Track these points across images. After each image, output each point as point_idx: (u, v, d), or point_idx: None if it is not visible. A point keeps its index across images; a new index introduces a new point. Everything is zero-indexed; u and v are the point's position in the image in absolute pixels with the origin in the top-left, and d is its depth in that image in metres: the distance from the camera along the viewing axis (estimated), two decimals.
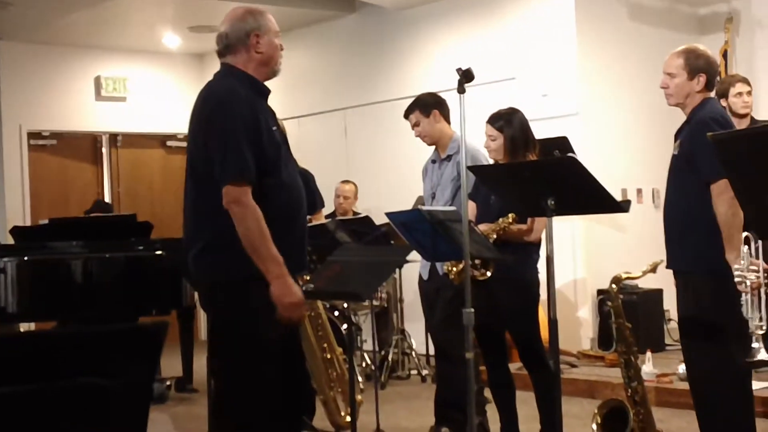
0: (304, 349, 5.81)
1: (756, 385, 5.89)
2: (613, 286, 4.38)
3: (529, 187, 4.25)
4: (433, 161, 6.04)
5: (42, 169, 11.17)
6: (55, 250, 7.07)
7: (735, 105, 6.65)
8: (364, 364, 8.25)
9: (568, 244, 8.32)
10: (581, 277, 8.50)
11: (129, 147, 11.79)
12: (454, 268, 5.30)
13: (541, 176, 4.21)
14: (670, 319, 8.28)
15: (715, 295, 4.42)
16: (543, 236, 5.25)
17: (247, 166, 3.80)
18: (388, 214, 5.05)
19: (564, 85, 8.60)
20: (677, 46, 4.68)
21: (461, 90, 4.12)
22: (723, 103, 6.63)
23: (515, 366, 5.83)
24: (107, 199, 11.46)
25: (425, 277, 6.00)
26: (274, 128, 4.01)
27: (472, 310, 4.12)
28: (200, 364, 6.67)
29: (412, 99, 6.10)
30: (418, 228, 4.85)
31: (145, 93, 11.75)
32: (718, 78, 4.86)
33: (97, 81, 11.43)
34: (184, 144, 12.75)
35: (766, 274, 4.09)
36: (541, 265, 4.96)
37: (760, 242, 4.18)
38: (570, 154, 5.49)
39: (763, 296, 4.18)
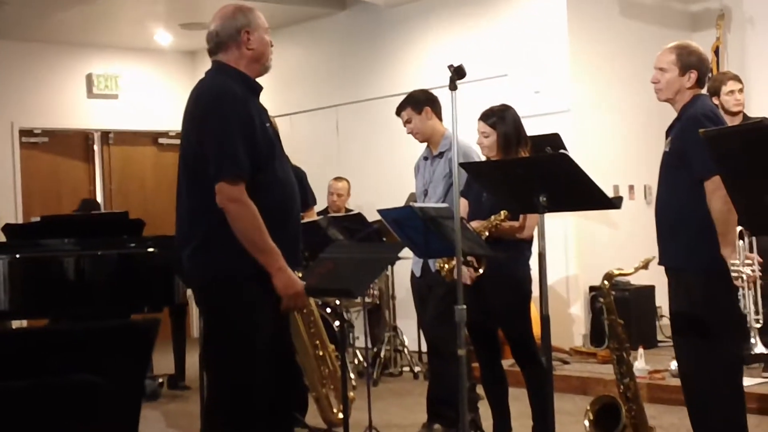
0: (296, 346, 5.83)
1: (747, 381, 5.91)
2: (605, 282, 4.39)
3: (521, 184, 4.25)
4: (425, 158, 6.05)
5: (34, 167, 11.15)
6: (47, 247, 7.06)
7: (727, 103, 6.65)
8: (356, 361, 8.25)
9: (561, 240, 8.33)
10: (573, 273, 8.51)
11: (121, 144, 11.77)
12: (446, 266, 5.30)
13: (533, 173, 4.21)
14: (662, 316, 8.30)
15: (707, 291, 4.42)
16: (535, 233, 5.25)
17: (241, 163, 3.81)
18: (380, 211, 5.05)
19: (556, 82, 8.61)
20: (669, 43, 4.69)
21: (453, 87, 4.12)
22: (715, 101, 6.63)
23: (508, 363, 5.83)
24: (99, 196, 11.45)
25: (417, 274, 6.00)
26: (267, 125, 4.02)
27: (465, 306, 4.13)
28: (192, 361, 6.68)
29: (404, 96, 6.10)
30: (411, 225, 4.85)
31: (136, 90, 11.73)
32: (709, 75, 4.87)
33: (89, 78, 11.41)
34: (176, 141, 12.80)
35: (760, 268, 4.10)
36: (533, 262, 4.96)
37: (753, 237, 4.19)
38: (562, 151, 5.50)
39: (759, 290, 4.19)
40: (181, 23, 10.58)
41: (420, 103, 5.94)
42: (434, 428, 5.95)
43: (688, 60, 4.54)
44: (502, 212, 5.17)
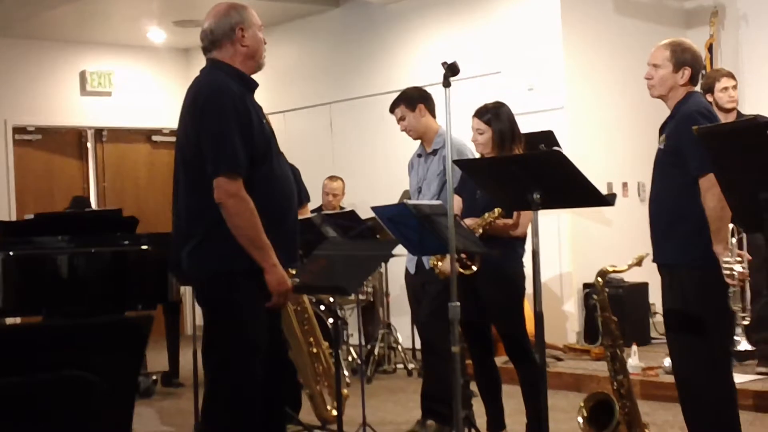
0: (290, 343, 5.84)
1: (741, 377, 5.93)
2: (599, 279, 4.39)
3: (515, 181, 4.25)
4: (419, 155, 6.05)
5: (27, 164, 11.13)
6: (40, 245, 7.05)
7: (721, 100, 6.65)
8: (350, 358, 8.25)
9: (554, 238, 8.34)
10: (567, 270, 8.52)
11: (114, 142, 11.76)
12: (440, 263, 5.30)
13: (526, 170, 4.21)
14: (655, 313, 8.31)
15: (701, 288, 4.43)
16: (529, 230, 5.25)
17: (238, 159, 3.84)
18: (374, 209, 5.05)
19: (550, 79, 8.61)
20: (662, 40, 4.69)
21: (447, 84, 4.11)
22: (709, 98, 6.64)
23: (501, 360, 5.83)
24: (92, 193, 11.44)
25: (412, 271, 6.00)
26: (264, 121, 4.03)
27: (458, 304, 4.13)
28: (186, 358, 6.66)
29: (398, 93, 6.10)
30: (405, 222, 4.85)
31: (130, 88, 11.72)
32: (702, 72, 4.87)
33: (83, 75, 11.40)
34: (170, 139, 12.72)
35: (748, 266, 4.12)
36: (527, 259, 4.97)
37: (744, 234, 4.20)
38: (555, 148, 5.50)
39: (748, 287, 4.20)
40: (174, 20, 10.57)
41: (413, 100, 5.94)
42: (428, 425, 5.95)
43: (683, 57, 4.55)
44: (496, 209, 5.17)
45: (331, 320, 7.31)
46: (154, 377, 7.94)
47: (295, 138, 10.03)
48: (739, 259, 4.18)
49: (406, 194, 7.38)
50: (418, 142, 6.06)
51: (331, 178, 9.30)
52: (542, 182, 4.14)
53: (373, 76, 10.08)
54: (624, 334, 4.70)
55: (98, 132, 11.63)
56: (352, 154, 10.25)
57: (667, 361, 6.65)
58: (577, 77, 8.65)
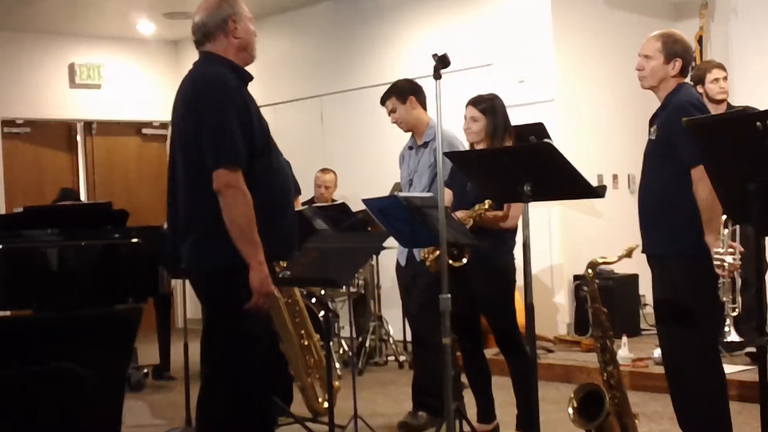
0: (281, 336, 5.84)
1: (730, 368, 5.95)
2: (589, 271, 4.39)
3: (506, 173, 4.25)
4: (410, 148, 6.05)
5: (16, 157, 11.11)
6: (30, 238, 7.02)
7: (711, 91, 6.66)
8: (341, 351, 8.26)
9: (545, 229, 8.35)
10: (557, 262, 8.53)
11: (104, 135, 11.73)
12: (431, 255, 5.31)
13: (517, 162, 4.21)
14: (645, 304, 8.34)
15: (691, 279, 4.45)
16: (519, 222, 5.26)
17: (239, 150, 3.84)
18: (365, 201, 5.05)
19: (540, 72, 8.61)
20: (653, 32, 4.70)
21: (437, 76, 4.12)
22: (699, 89, 6.65)
23: (492, 351, 5.85)
24: (82, 187, 11.42)
25: (402, 263, 6.01)
26: (260, 114, 4.04)
27: (449, 296, 4.13)
28: (177, 351, 6.66)
29: (389, 85, 6.10)
30: (396, 215, 4.85)
31: (119, 80, 11.70)
32: (692, 64, 4.88)
33: (72, 68, 11.37)
34: (160, 132, 12.65)
35: (740, 257, 4.13)
36: (518, 251, 4.97)
37: (737, 226, 4.22)
38: (546, 140, 5.52)
39: (738, 279, 4.22)
40: (164, 13, 10.55)
41: (404, 92, 5.94)
42: (419, 417, 5.96)
43: (674, 48, 4.56)
44: (486, 201, 5.17)
45: (322, 313, 7.32)
46: (145, 370, 7.93)
47: (286, 131, 10.00)
48: (730, 250, 4.19)
49: (397, 186, 7.38)
50: (409, 134, 6.06)
51: (324, 170, 9.30)
52: (533, 174, 4.14)
53: (364, 68, 10.07)
54: (614, 325, 4.70)
55: (88, 125, 11.61)
56: (343, 146, 10.25)
57: (657, 352, 6.68)
58: (567, 70, 8.65)
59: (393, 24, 9.86)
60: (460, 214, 5.24)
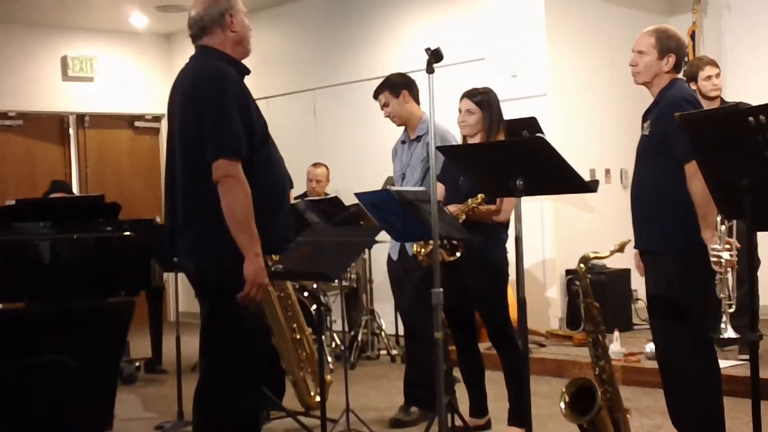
0: (273, 330, 5.84)
1: (722, 363, 5.96)
2: (581, 265, 4.39)
3: (498, 168, 4.25)
4: (403, 142, 6.05)
5: (8, 150, 11.08)
6: (22, 231, 7.01)
7: (704, 88, 6.66)
8: (333, 345, 8.26)
9: (537, 224, 8.35)
10: (550, 257, 8.54)
11: (96, 127, 11.71)
12: (423, 250, 5.31)
13: (509, 157, 4.21)
14: (637, 299, 8.35)
15: (686, 274, 4.45)
16: (511, 217, 5.27)
17: (240, 141, 3.85)
18: (357, 195, 5.05)
19: (533, 66, 8.61)
20: (646, 27, 4.70)
21: (430, 70, 4.11)
22: (693, 86, 6.66)
23: (484, 346, 5.85)
24: (74, 179, 11.40)
25: (395, 257, 6.01)
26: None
27: (441, 290, 4.13)
28: (169, 345, 6.66)
29: (382, 79, 6.09)
30: (388, 209, 4.85)
31: (112, 73, 11.67)
32: (685, 60, 4.88)
33: (64, 61, 11.34)
34: (153, 125, 12.64)
35: (737, 253, 4.14)
36: (510, 246, 4.98)
37: (734, 221, 4.22)
38: (539, 135, 5.51)
39: (734, 275, 4.22)
40: (156, 5, 10.52)
41: (397, 86, 5.94)
42: (411, 411, 5.96)
43: (667, 44, 4.56)
44: (479, 195, 5.18)
45: (314, 306, 7.31)
46: (137, 364, 7.93)
47: (279, 124, 9.97)
48: (727, 246, 4.20)
49: (389, 181, 7.38)
50: (402, 128, 6.06)
51: (315, 164, 9.30)
52: (525, 168, 4.14)
53: (357, 62, 10.06)
54: (606, 320, 4.71)
55: (80, 117, 11.59)
56: (335, 140, 10.24)
57: (649, 347, 6.69)
58: (560, 64, 8.65)
59: (386, 18, 9.85)
60: (452, 208, 5.24)
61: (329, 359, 7.66)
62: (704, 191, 4.16)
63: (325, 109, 10.43)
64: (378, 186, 7.26)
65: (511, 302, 5.32)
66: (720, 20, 9.04)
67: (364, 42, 10.05)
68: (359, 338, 8.38)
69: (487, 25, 8.92)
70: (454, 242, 5.23)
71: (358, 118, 9.77)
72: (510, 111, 6.32)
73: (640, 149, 4.65)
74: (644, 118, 4.64)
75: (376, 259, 8.42)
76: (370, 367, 8.10)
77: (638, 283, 7.21)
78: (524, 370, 4.28)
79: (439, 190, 5.34)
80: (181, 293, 6.78)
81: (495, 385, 5.75)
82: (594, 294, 4.42)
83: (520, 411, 5.16)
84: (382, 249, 6.27)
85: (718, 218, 4.46)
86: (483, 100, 5.43)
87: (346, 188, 8.48)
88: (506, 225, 5.43)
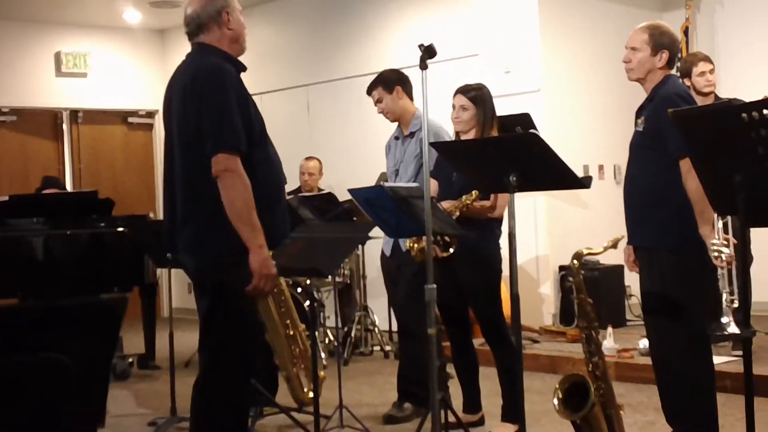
0: (267, 326, 5.83)
1: (716, 359, 5.96)
2: (575, 261, 4.39)
3: (492, 164, 4.25)
4: (396, 138, 6.05)
5: (2, 146, 11.07)
6: (15, 227, 7.00)
7: (698, 84, 6.66)
8: (327, 341, 8.26)
9: (531, 220, 8.36)
10: (543, 253, 8.54)
11: (90, 123, 11.69)
12: (416, 246, 5.31)
13: (503, 152, 4.21)
14: (631, 295, 8.35)
15: (680, 270, 4.46)
16: (505, 213, 5.27)
17: (239, 136, 3.87)
18: (351, 191, 5.05)
19: (526, 62, 8.61)
20: (639, 23, 4.70)
21: (423, 66, 4.11)
22: (687, 82, 6.66)
23: (477, 342, 5.85)
24: (68, 175, 11.38)
25: (388, 253, 6.01)
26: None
27: (435, 286, 4.13)
28: (162, 341, 6.66)
29: (375, 75, 6.09)
30: (382, 204, 4.84)
31: (106, 69, 11.66)
32: (678, 56, 4.89)
33: (58, 56, 11.32)
34: (146, 120, 12.60)
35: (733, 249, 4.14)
36: (503, 242, 4.98)
37: (729, 217, 4.22)
38: (532, 131, 5.52)
39: (735, 271, 4.22)
40: (150, 1, 10.50)
41: (391, 82, 5.93)
42: (404, 407, 5.96)
43: (661, 40, 4.56)
44: (473, 192, 5.18)
45: (307, 302, 7.31)
46: (131, 360, 7.92)
47: (273, 120, 9.89)
48: (725, 242, 4.21)
49: (383, 176, 7.38)
50: (396, 124, 6.06)
51: (308, 158, 9.30)
52: (518, 164, 4.14)
53: (351, 58, 10.05)
54: (599, 316, 4.71)
55: (74, 113, 11.57)
56: (329, 136, 10.24)
57: (642, 343, 6.70)
58: (553, 60, 8.65)
59: (379, 14, 9.84)
60: (446, 204, 5.24)
61: (322, 355, 7.66)
62: (700, 187, 4.16)
63: (319, 104, 10.42)
64: (371, 182, 7.26)
65: (504, 298, 5.32)
66: (713, 16, 9.05)
67: (357, 38, 10.05)
68: (353, 334, 8.38)
69: (481, 21, 8.91)
70: (447, 238, 5.22)
71: (352, 114, 9.76)
72: (503, 107, 6.32)
73: (634, 145, 4.65)
74: (638, 114, 4.64)
75: (370, 255, 8.41)
76: (363, 363, 8.11)
77: (631, 280, 7.21)
78: (518, 366, 4.28)
79: (433, 186, 5.34)
80: (174, 289, 6.77)
81: (488, 381, 5.76)
82: (587, 290, 4.42)
83: (513, 407, 5.16)
84: (376, 245, 6.27)
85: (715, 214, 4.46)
86: (477, 96, 5.44)
87: (339, 184, 8.47)
88: (500, 221, 5.43)
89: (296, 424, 5.68)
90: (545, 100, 8.54)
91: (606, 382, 4.41)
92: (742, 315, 3.58)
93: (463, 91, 5.47)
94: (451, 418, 5.23)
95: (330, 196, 7.32)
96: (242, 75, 4.12)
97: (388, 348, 8.31)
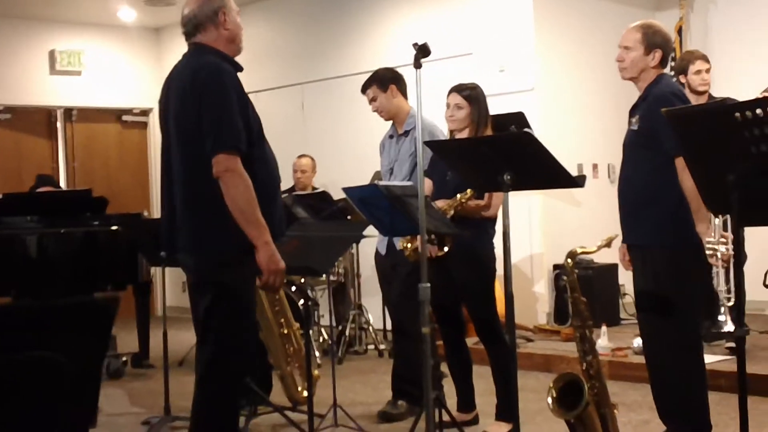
0: (261, 324, 5.83)
1: (710, 358, 5.98)
2: (569, 260, 4.40)
3: (486, 163, 4.25)
4: (391, 136, 6.05)
5: None
6: (9, 225, 6.99)
7: (693, 82, 6.67)
8: (321, 340, 8.26)
9: (525, 219, 8.36)
10: (538, 252, 8.55)
11: (84, 121, 11.68)
12: (409, 245, 5.31)
13: (497, 151, 4.21)
14: (625, 294, 8.37)
15: (674, 269, 4.46)
16: (499, 211, 5.27)
17: (239, 136, 3.89)
18: (345, 189, 5.05)
19: (521, 61, 8.62)
20: (633, 22, 4.71)
21: (417, 65, 4.11)
22: (682, 79, 6.67)
23: (472, 341, 5.85)
24: (62, 174, 11.37)
25: (382, 252, 6.01)
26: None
27: (429, 285, 4.13)
28: (156, 340, 6.64)
29: (370, 74, 6.09)
30: (376, 203, 4.85)
31: (100, 67, 11.64)
32: (672, 54, 4.89)
33: (52, 55, 11.31)
34: (141, 119, 12.58)
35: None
36: (498, 240, 4.98)
37: (728, 215, 4.22)
38: (526, 130, 5.52)
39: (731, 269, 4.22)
40: None
41: (385, 81, 5.93)
42: (399, 406, 5.96)
43: (653, 39, 4.57)
44: (468, 190, 5.18)
45: (302, 301, 7.31)
46: (124, 358, 7.91)
47: (268, 119, 9.86)
48: (722, 240, 4.21)
49: (377, 175, 7.37)
50: (390, 123, 6.06)
51: (300, 156, 9.29)
52: (512, 163, 4.14)
53: (346, 56, 10.05)
54: (594, 315, 4.72)
55: (68, 111, 11.56)
56: (324, 134, 10.23)
57: (636, 342, 6.70)
58: (548, 59, 8.66)
59: (374, 12, 9.84)
60: (440, 203, 5.25)
61: (317, 354, 7.66)
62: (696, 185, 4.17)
63: (314, 103, 10.42)
64: (366, 180, 7.26)
65: (498, 297, 5.32)
66: (706, 15, 9.05)
67: (352, 36, 10.04)
68: (347, 333, 8.37)
69: (475, 19, 8.92)
70: (440, 236, 5.22)
71: (347, 113, 9.76)
72: (497, 106, 6.32)
73: (628, 144, 4.65)
74: (632, 113, 4.65)
75: (364, 254, 8.42)
76: (357, 362, 8.10)
77: (625, 278, 7.22)
78: (512, 365, 4.28)
79: (427, 185, 5.34)
80: (168, 288, 6.77)
81: (482, 380, 5.76)
82: (581, 289, 4.42)
83: (507, 406, 5.16)
84: (370, 244, 6.27)
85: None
86: (472, 94, 5.44)
87: (334, 183, 8.47)
88: (494, 220, 5.43)
89: (290, 423, 5.68)
90: (540, 98, 8.54)
91: (600, 381, 4.42)
92: (736, 314, 3.58)
93: (458, 89, 5.48)
94: (446, 417, 5.23)
95: (324, 195, 7.32)
96: (239, 73, 4.13)
97: (382, 347, 8.32)
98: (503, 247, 4.22)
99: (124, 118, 11.94)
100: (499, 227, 4.96)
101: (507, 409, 5.21)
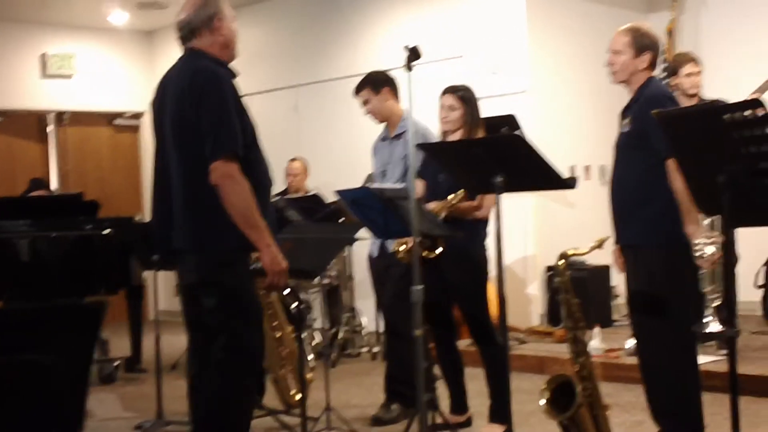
0: None
1: (702, 359, 5.99)
2: (561, 262, 4.41)
3: (478, 165, 4.26)
4: (383, 139, 6.05)
5: None
6: (0, 229, 6.98)
7: (684, 84, 6.67)
8: (314, 342, 8.25)
9: (519, 220, 8.36)
10: (531, 253, 8.56)
11: (76, 125, 11.66)
12: (401, 247, 5.31)
13: (489, 153, 4.22)
14: (617, 295, 8.38)
15: (667, 269, 4.47)
16: (492, 213, 5.27)
17: (237, 141, 3.93)
18: (338, 192, 5.05)
19: (512, 63, 8.62)
20: (625, 24, 4.72)
21: (409, 68, 4.12)
22: (673, 80, 6.68)
23: (465, 342, 5.86)
24: (54, 177, 11.35)
25: (375, 254, 6.01)
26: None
27: (422, 287, 4.14)
28: (149, 344, 6.64)
29: (362, 77, 6.09)
30: (369, 205, 4.85)
31: (92, 70, 11.63)
32: (663, 56, 4.90)
33: (43, 58, 11.29)
34: (132, 122, 12.56)
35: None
36: (491, 242, 4.98)
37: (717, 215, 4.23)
38: (517, 132, 5.53)
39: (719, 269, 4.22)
40: (137, 2, 10.48)
41: (378, 83, 5.94)
42: (392, 408, 5.96)
43: (642, 41, 4.58)
44: (460, 192, 5.18)
45: (295, 304, 7.30)
46: (117, 363, 7.90)
47: (261, 121, 9.87)
48: (711, 240, 4.21)
49: (370, 178, 7.38)
50: (383, 125, 6.06)
51: (292, 159, 9.30)
52: (505, 165, 4.15)
53: (338, 59, 10.05)
54: (586, 316, 4.72)
55: (59, 115, 11.54)
56: (317, 137, 10.23)
57: (629, 343, 6.71)
58: (540, 61, 8.67)
59: (367, 15, 9.85)
60: (433, 205, 5.25)
61: (310, 357, 7.65)
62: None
63: (307, 105, 10.42)
64: (359, 183, 7.26)
65: (491, 298, 5.33)
66: (698, 17, 9.07)
67: (345, 39, 10.05)
68: (340, 336, 8.37)
69: (467, 22, 8.93)
70: (433, 237, 5.23)
71: (340, 115, 9.76)
72: (490, 108, 6.32)
73: (619, 146, 4.66)
74: (623, 115, 4.66)
75: (357, 257, 8.42)
76: (351, 365, 8.10)
77: (618, 280, 7.23)
78: (505, 366, 4.29)
79: (419, 186, 5.34)
80: (161, 292, 6.76)
81: (476, 381, 5.76)
82: (574, 290, 4.43)
83: (501, 407, 5.16)
84: (363, 246, 6.27)
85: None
86: (465, 95, 5.46)
87: (327, 185, 8.46)
88: (486, 221, 5.44)
89: (283, 427, 5.68)
90: (532, 101, 8.55)
91: (592, 382, 4.42)
92: (727, 314, 3.59)
93: (452, 90, 5.49)
94: (439, 419, 5.23)
95: (316, 197, 7.32)
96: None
97: (375, 349, 8.31)
98: (496, 248, 4.22)
99: (116, 121, 11.93)
100: (491, 229, 4.96)
101: (500, 411, 5.21)
